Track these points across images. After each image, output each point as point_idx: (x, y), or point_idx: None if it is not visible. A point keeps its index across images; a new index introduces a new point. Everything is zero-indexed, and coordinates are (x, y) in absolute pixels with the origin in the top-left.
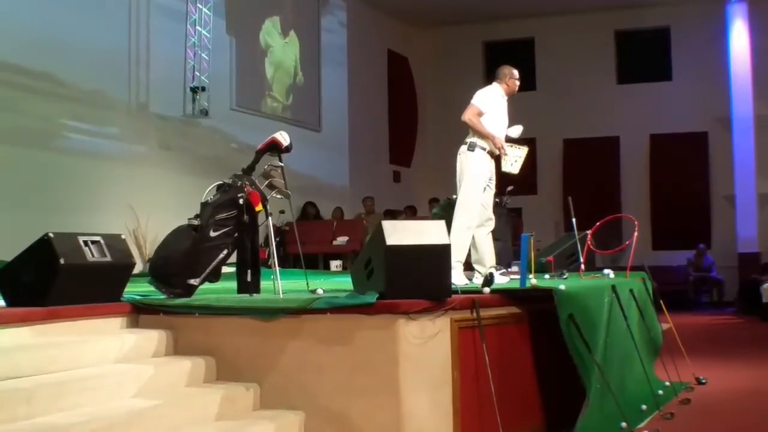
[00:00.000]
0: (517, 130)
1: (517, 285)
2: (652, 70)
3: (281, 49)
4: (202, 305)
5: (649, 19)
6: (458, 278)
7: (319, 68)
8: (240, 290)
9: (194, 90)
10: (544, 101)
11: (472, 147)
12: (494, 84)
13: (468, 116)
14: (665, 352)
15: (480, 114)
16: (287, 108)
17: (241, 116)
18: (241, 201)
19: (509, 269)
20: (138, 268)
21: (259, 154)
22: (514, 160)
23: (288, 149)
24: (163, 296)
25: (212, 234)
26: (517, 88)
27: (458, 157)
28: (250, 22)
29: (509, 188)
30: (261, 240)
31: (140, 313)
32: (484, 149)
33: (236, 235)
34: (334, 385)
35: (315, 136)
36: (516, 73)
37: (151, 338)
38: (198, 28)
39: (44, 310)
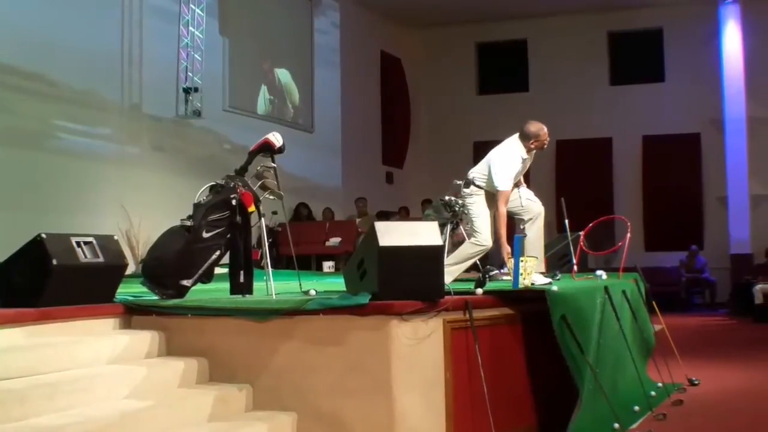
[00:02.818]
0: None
1: (509, 286)
2: (645, 72)
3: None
4: (195, 306)
5: (641, 21)
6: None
7: (311, 69)
8: (233, 291)
9: (187, 91)
10: (536, 102)
11: (467, 184)
12: (517, 143)
13: (500, 205)
14: (658, 353)
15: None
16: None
17: (233, 117)
18: (233, 202)
19: (502, 270)
20: (131, 269)
21: (252, 155)
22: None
23: (281, 150)
24: (155, 297)
25: (205, 235)
26: (545, 146)
27: (462, 196)
28: (244, 23)
29: None
30: (254, 241)
31: (133, 314)
32: (480, 188)
33: (229, 236)
34: (327, 386)
35: (308, 137)
36: (545, 133)
37: (144, 339)
38: (191, 28)
39: (37, 311)
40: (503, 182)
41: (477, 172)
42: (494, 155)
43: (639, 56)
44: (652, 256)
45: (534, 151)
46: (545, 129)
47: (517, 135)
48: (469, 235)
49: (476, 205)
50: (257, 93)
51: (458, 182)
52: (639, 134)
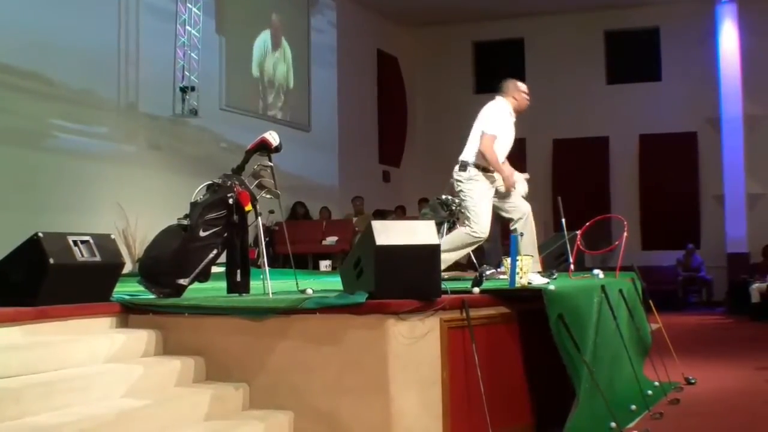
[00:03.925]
0: (523, 186)
1: (506, 285)
2: (642, 71)
3: (272, 64)
4: (192, 305)
5: (638, 20)
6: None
7: (308, 68)
8: (229, 290)
9: (184, 89)
10: (533, 101)
11: (463, 167)
12: (500, 99)
13: (487, 148)
14: (654, 352)
15: (494, 140)
16: (277, 108)
17: (230, 116)
18: (230, 201)
19: (498, 269)
20: (127, 267)
21: (249, 153)
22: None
23: (278, 149)
24: (152, 296)
25: (202, 234)
26: (526, 104)
27: (458, 183)
28: (241, 22)
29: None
30: (250, 240)
31: (130, 312)
32: (478, 167)
33: (226, 234)
34: (324, 385)
35: (304, 136)
36: (523, 86)
37: (141, 338)
38: (188, 27)
39: (33, 310)
40: (490, 127)
41: (469, 151)
42: (481, 115)
43: (636, 55)
44: (649, 255)
45: (514, 116)
46: (523, 86)
47: (497, 96)
48: (464, 224)
49: (475, 192)
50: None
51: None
52: (636, 133)
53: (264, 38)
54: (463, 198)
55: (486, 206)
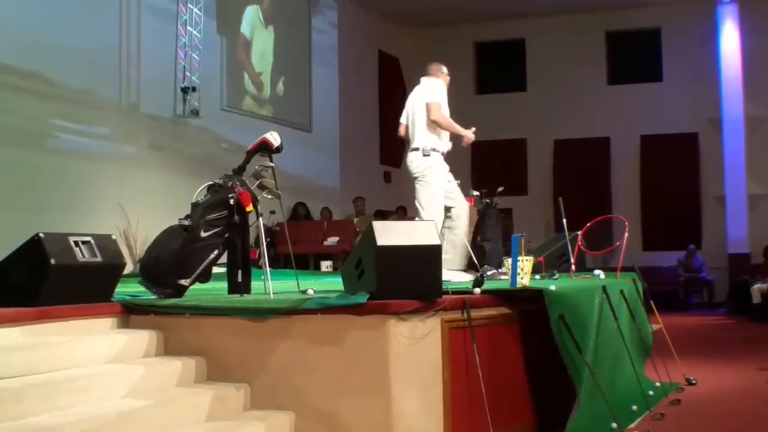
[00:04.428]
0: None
1: (507, 285)
2: (643, 71)
3: (263, 39)
4: (193, 305)
5: (639, 20)
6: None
7: (309, 68)
8: (231, 290)
9: (185, 90)
10: (534, 102)
11: (426, 152)
12: (433, 80)
13: (438, 116)
14: (655, 353)
15: (441, 107)
16: (277, 106)
17: (231, 116)
18: (231, 201)
19: (500, 270)
20: (128, 268)
21: (250, 154)
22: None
23: (279, 150)
24: (153, 296)
25: (203, 234)
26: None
27: (410, 164)
28: (239, 21)
29: (499, 189)
30: (252, 240)
31: (131, 313)
32: (436, 151)
33: (227, 235)
34: (325, 386)
35: (305, 136)
36: (444, 68)
37: (142, 338)
38: (189, 28)
39: (35, 311)
40: (432, 96)
41: (420, 136)
42: (419, 96)
43: (637, 56)
44: (650, 256)
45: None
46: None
47: (426, 77)
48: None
49: (433, 178)
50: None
51: (456, 182)
52: (637, 134)
53: (255, 9)
54: (421, 185)
55: (441, 194)
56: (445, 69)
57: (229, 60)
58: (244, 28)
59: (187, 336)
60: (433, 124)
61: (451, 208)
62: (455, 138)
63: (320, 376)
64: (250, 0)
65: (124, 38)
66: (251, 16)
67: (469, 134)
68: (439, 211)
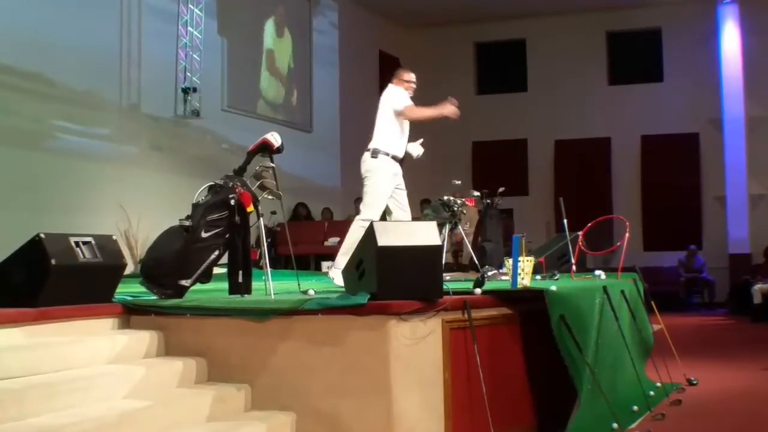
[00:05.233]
0: (417, 149)
1: (508, 286)
2: (644, 72)
3: (280, 50)
4: (194, 306)
5: (640, 21)
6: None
7: (310, 69)
8: (231, 291)
9: (186, 91)
10: (535, 102)
11: (375, 153)
12: (394, 87)
13: (414, 112)
14: (656, 353)
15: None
16: (279, 108)
17: (232, 117)
18: (232, 202)
19: (500, 270)
20: (129, 268)
21: (251, 155)
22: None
23: (279, 150)
24: (154, 297)
25: (203, 235)
26: (413, 88)
27: (361, 164)
28: (243, 23)
29: (500, 189)
30: (252, 241)
31: (131, 313)
32: (387, 155)
33: (227, 236)
34: (326, 386)
35: (306, 136)
36: (410, 76)
37: (143, 339)
38: (189, 28)
39: (35, 311)
40: (396, 105)
41: (378, 139)
42: (382, 102)
43: (638, 56)
44: (651, 256)
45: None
46: (413, 76)
47: (390, 85)
48: (359, 211)
49: (379, 179)
50: (256, 93)
51: (457, 182)
52: (638, 134)
53: (269, 23)
54: (365, 185)
55: (386, 196)
56: (407, 76)
57: (230, 61)
58: (267, 42)
59: (188, 336)
60: (389, 129)
61: (391, 213)
62: (455, 133)
63: (321, 376)
64: (266, 13)
65: (125, 39)
66: (271, 31)
67: (449, 108)
68: (377, 214)
